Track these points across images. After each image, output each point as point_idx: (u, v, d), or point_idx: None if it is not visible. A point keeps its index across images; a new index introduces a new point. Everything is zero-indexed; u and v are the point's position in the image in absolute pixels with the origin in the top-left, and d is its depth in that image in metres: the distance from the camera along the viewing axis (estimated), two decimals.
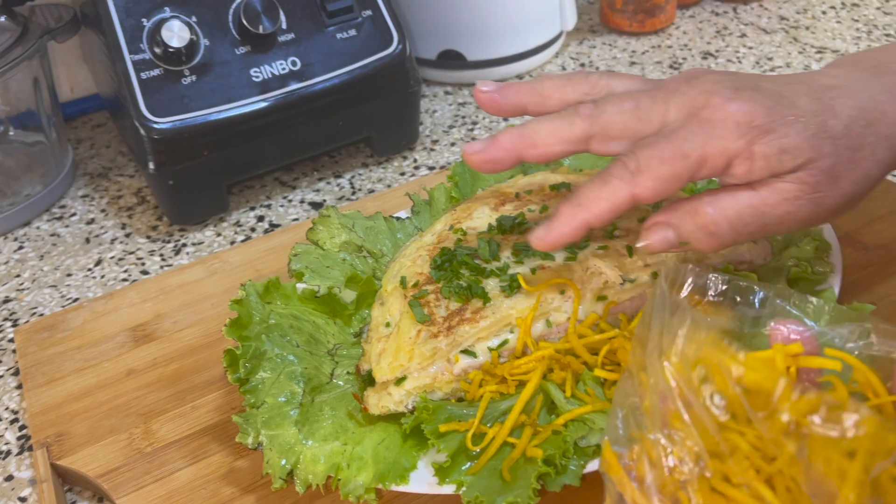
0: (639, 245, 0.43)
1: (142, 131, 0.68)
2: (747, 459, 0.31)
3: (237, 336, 0.49)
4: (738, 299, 0.36)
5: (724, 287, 0.37)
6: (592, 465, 0.44)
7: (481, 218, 0.58)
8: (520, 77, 0.93)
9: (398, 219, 0.63)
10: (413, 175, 0.80)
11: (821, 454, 0.29)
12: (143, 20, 0.69)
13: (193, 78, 0.69)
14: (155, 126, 0.68)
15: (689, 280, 0.37)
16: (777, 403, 0.30)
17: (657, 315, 0.34)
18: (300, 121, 0.73)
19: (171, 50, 0.68)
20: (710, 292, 0.37)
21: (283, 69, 0.72)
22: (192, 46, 0.68)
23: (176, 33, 0.67)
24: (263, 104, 0.71)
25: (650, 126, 0.42)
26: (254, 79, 0.71)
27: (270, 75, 0.71)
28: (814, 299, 0.36)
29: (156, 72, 0.68)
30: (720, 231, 0.41)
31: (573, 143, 0.44)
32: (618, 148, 0.43)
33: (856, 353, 0.33)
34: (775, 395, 0.30)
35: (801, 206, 0.41)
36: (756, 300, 0.36)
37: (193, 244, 0.73)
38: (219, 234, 0.74)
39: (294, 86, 0.72)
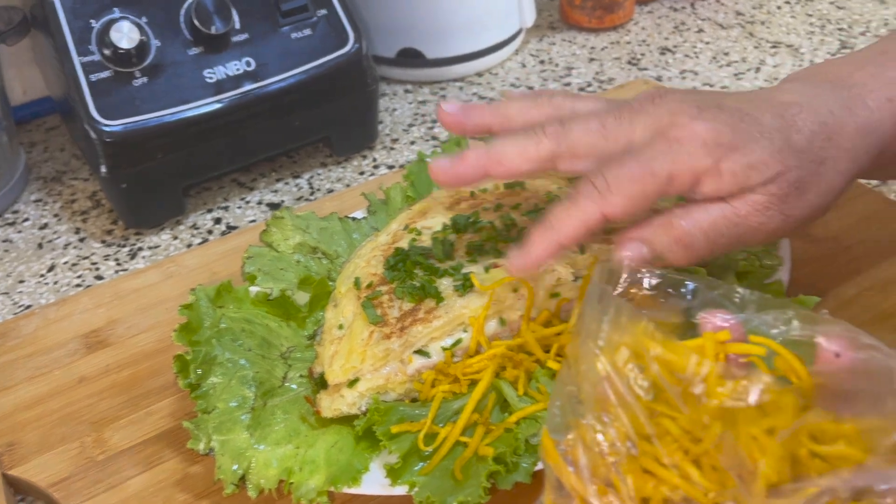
0: (613, 262, 0.42)
1: (92, 134, 0.67)
2: (675, 441, 0.31)
3: (187, 341, 0.49)
4: (671, 292, 0.37)
5: (658, 281, 0.37)
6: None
7: (436, 217, 0.58)
8: (479, 75, 0.93)
9: (354, 219, 0.63)
10: (373, 174, 0.79)
11: (741, 431, 0.30)
12: (92, 21, 0.68)
13: (145, 79, 0.68)
14: (106, 129, 0.67)
15: (625, 275, 0.37)
16: (692, 379, 0.30)
17: (589, 305, 0.35)
18: (256, 121, 0.73)
19: (120, 51, 0.67)
20: (645, 286, 0.37)
21: (238, 70, 0.71)
22: (142, 47, 0.67)
23: (125, 34, 0.66)
24: (218, 105, 0.70)
25: (617, 144, 0.43)
26: (207, 80, 0.70)
27: (224, 76, 0.71)
28: (741, 289, 0.37)
29: (105, 73, 0.67)
30: (695, 243, 0.42)
31: (539, 162, 0.44)
32: (584, 166, 0.44)
33: (779, 338, 0.34)
34: (688, 371, 0.30)
35: (771, 216, 0.42)
36: (687, 292, 0.37)
37: (149, 248, 0.73)
38: (175, 238, 0.74)
39: (249, 86, 0.71)
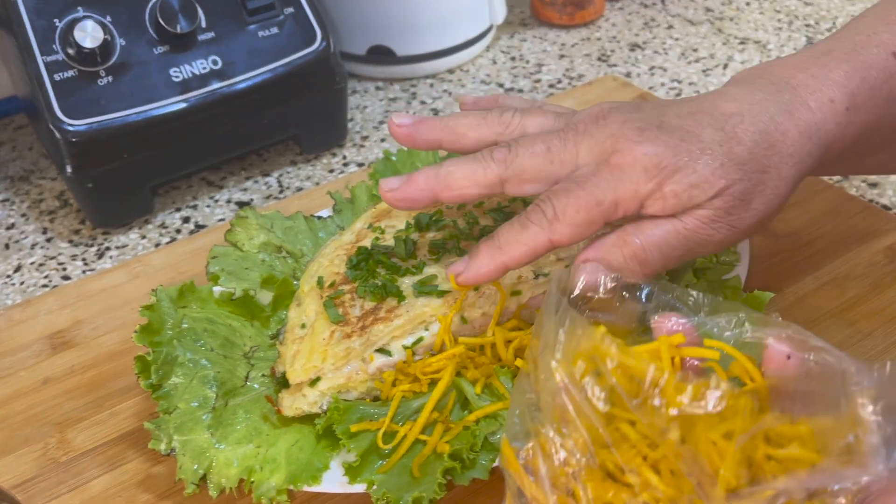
0: (573, 287, 0.43)
1: (57, 134, 0.66)
2: (633, 447, 0.32)
3: (148, 342, 0.49)
4: (626, 295, 0.38)
5: (613, 284, 0.38)
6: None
7: (400, 216, 0.59)
8: (451, 71, 0.93)
9: (319, 218, 0.63)
10: (342, 172, 0.79)
11: (700, 437, 0.31)
12: (56, 20, 0.67)
13: (110, 79, 0.68)
14: (70, 128, 0.66)
15: (581, 279, 0.38)
16: (649, 390, 0.31)
17: (547, 315, 0.35)
18: (223, 120, 0.73)
19: (84, 50, 0.66)
20: (601, 290, 0.37)
21: (204, 68, 0.71)
22: (106, 46, 0.67)
23: (89, 33, 0.66)
24: (184, 104, 0.70)
25: (563, 168, 0.44)
26: (174, 79, 0.70)
27: (191, 75, 0.71)
28: (694, 292, 0.37)
29: (70, 73, 0.67)
30: (650, 258, 0.43)
31: (487, 187, 0.45)
32: (531, 189, 0.45)
33: (731, 341, 0.34)
34: (647, 381, 0.31)
35: (718, 228, 0.43)
36: (643, 295, 0.37)
37: (117, 247, 0.72)
38: (143, 237, 0.73)
39: (216, 85, 0.71)
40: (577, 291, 0.38)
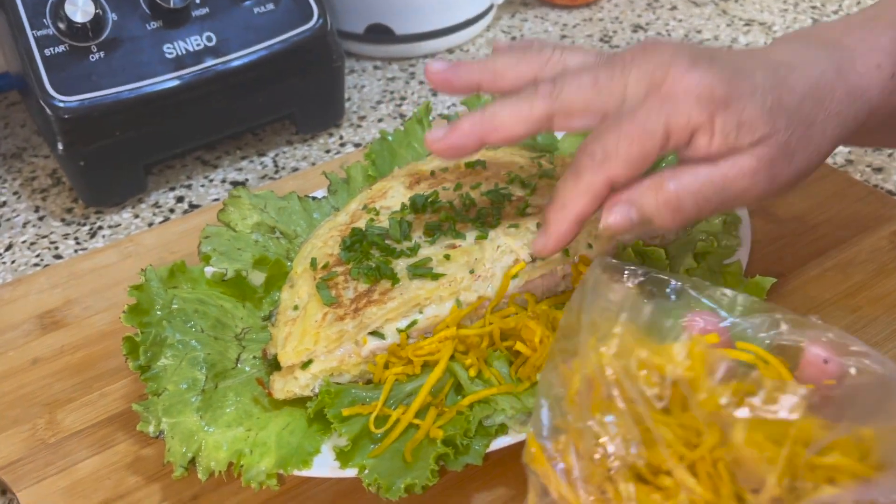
0: (600, 225, 0.42)
1: (48, 110, 0.65)
2: (670, 447, 0.31)
3: (137, 323, 0.48)
4: (654, 291, 0.36)
5: (642, 279, 0.36)
6: (496, 444, 0.44)
7: (395, 197, 0.57)
8: (450, 51, 0.92)
9: (314, 198, 0.62)
10: (339, 152, 0.78)
11: (751, 439, 0.30)
12: None
13: (102, 54, 0.67)
14: (61, 105, 0.65)
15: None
16: (712, 389, 0.30)
17: (590, 303, 0.34)
18: (218, 98, 0.71)
19: (75, 25, 0.65)
20: (628, 284, 0.36)
21: (198, 45, 0.70)
22: (98, 21, 0.66)
23: (80, 7, 0.65)
24: (178, 81, 0.69)
25: (611, 99, 0.42)
26: (167, 55, 0.69)
27: (185, 51, 0.69)
28: (728, 291, 0.36)
29: (61, 48, 0.66)
30: (684, 206, 0.42)
31: (535, 123, 0.43)
32: (580, 123, 0.43)
33: (767, 342, 0.33)
34: (710, 381, 0.30)
35: (758, 181, 0.41)
36: (672, 292, 0.36)
37: (110, 227, 0.71)
38: (137, 216, 0.72)
39: (210, 62, 0.70)
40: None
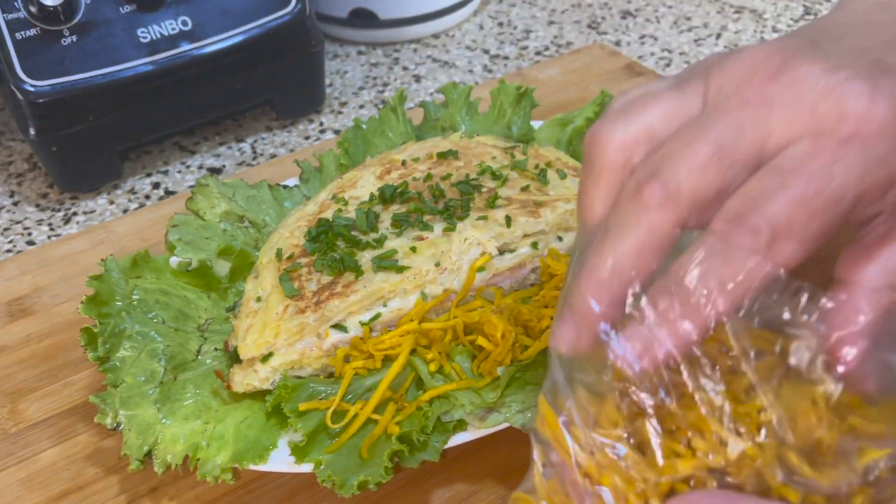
0: None
1: (19, 95, 0.64)
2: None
3: (95, 314, 0.47)
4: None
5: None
6: (455, 441, 0.44)
7: (365, 187, 0.57)
8: (435, 36, 0.91)
9: (285, 187, 0.61)
10: (318, 139, 0.77)
11: (794, 399, 0.28)
12: None
13: (74, 38, 0.66)
14: (33, 89, 0.64)
15: None
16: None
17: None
18: (193, 84, 0.70)
19: (47, 8, 0.64)
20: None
21: (173, 29, 0.69)
22: (69, 4, 0.65)
23: None
24: (152, 66, 0.68)
25: (746, 166, 0.29)
26: (141, 39, 0.68)
27: (159, 35, 0.68)
28: None
29: (32, 32, 0.65)
30: None
31: (660, 245, 0.29)
32: (712, 215, 0.29)
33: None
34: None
35: None
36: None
37: (84, 213, 0.71)
38: (112, 202, 0.72)
39: (185, 47, 0.69)
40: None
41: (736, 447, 0.27)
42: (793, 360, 0.28)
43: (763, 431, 0.28)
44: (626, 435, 0.29)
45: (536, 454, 0.30)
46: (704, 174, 0.28)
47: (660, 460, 0.28)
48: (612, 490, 0.28)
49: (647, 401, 0.28)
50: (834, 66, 0.29)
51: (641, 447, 0.28)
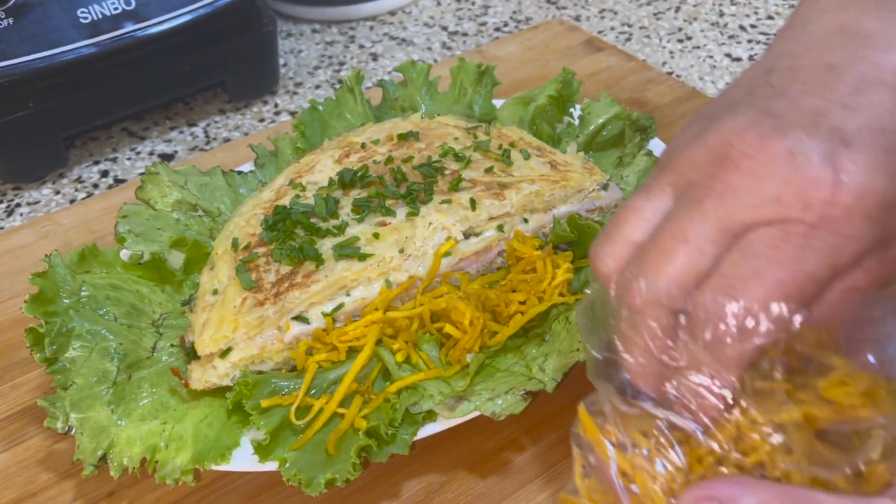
0: None
1: None
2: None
3: (41, 313, 0.45)
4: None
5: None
6: (424, 432, 0.43)
7: (323, 171, 0.55)
8: (392, 13, 0.88)
9: (240, 173, 0.59)
10: (273, 121, 0.75)
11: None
12: None
13: (10, 21, 0.62)
14: None
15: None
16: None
17: None
18: (139, 66, 0.67)
19: None
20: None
21: (115, 8, 0.65)
22: None
23: None
24: (94, 48, 0.65)
25: (717, 245, 0.30)
26: (81, 20, 0.64)
27: (100, 16, 0.65)
28: None
29: None
30: None
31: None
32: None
33: None
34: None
35: None
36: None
37: (29, 204, 0.68)
38: (58, 192, 0.69)
39: (129, 27, 0.66)
40: None
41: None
42: None
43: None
44: (653, 437, 0.31)
45: (576, 457, 0.33)
46: (678, 268, 0.30)
47: (682, 459, 0.30)
48: (642, 487, 0.30)
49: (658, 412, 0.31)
50: (790, 149, 0.29)
51: (667, 447, 0.30)
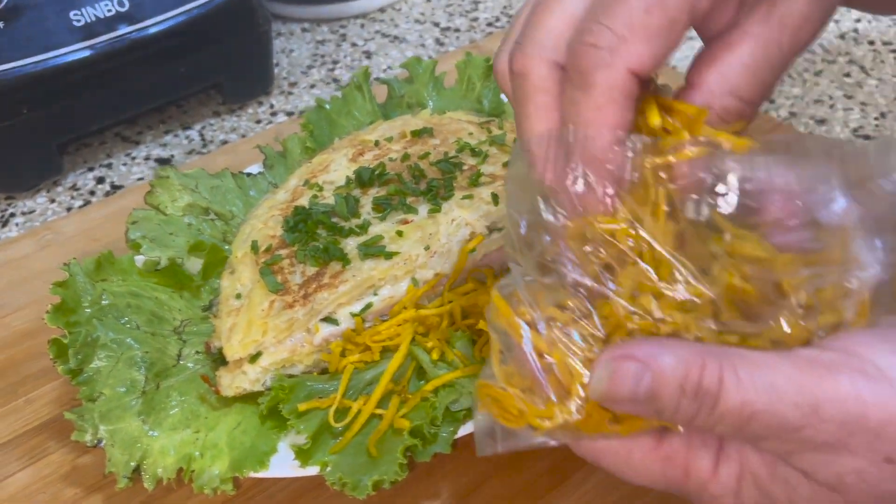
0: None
1: None
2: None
3: (63, 323, 0.43)
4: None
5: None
6: (464, 430, 0.42)
7: (338, 170, 0.54)
8: (382, 10, 0.88)
9: (249, 175, 0.58)
10: (270, 122, 0.74)
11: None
12: None
13: (1, 25, 0.60)
14: None
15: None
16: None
17: None
18: (134, 69, 0.66)
19: None
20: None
21: (109, 11, 0.64)
22: None
23: None
24: (88, 52, 0.63)
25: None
26: (75, 23, 0.63)
27: (94, 18, 0.63)
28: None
29: None
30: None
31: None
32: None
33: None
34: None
35: None
36: None
37: (23, 213, 0.66)
38: (53, 201, 0.67)
39: (123, 30, 0.64)
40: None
41: (675, 295, 0.28)
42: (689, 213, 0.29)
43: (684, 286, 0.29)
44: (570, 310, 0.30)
45: (492, 344, 0.32)
46: (555, 17, 0.29)
47: (601, 329, 0.29)
48: (560, 363, 0.29)
49: (576, 276, 0.30)
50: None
51: (585, 318, 0.30)
